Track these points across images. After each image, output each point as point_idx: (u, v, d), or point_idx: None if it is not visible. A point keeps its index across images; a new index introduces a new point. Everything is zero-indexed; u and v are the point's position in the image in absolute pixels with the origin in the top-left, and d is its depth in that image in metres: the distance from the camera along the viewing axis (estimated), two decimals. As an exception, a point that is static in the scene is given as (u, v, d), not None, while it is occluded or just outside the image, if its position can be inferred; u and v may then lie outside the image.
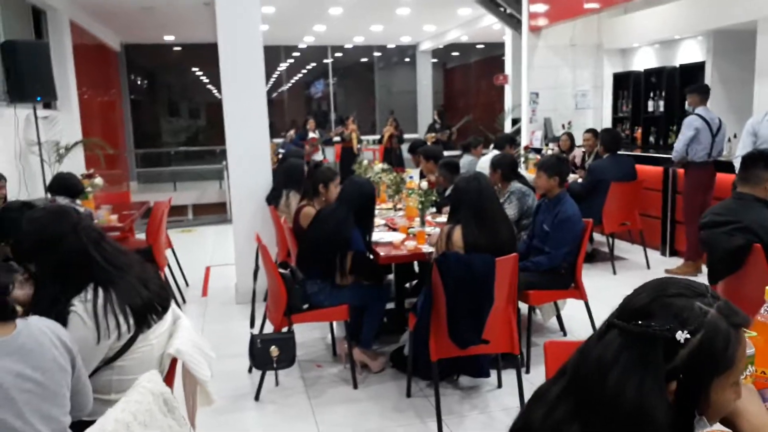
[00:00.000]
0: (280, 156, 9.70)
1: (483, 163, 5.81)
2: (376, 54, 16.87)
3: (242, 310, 4.94)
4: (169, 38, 13.25)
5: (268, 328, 3.60)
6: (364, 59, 17.69)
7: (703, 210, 5.61)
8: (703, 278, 5.51)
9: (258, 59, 4.91)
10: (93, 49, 11.46)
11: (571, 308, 4.22)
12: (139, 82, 16.08)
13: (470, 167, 6.18)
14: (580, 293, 3.73)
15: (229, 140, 4.95)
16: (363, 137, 11.82)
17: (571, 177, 6.33)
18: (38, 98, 6.78)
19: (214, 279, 5.98)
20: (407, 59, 17.09)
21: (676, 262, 5.83)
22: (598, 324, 3.86)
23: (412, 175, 4.45)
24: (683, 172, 5.61)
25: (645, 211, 6.05)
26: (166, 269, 5.17)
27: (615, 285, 5.34)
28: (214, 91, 16.42)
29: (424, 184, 3.84)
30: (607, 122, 8.64)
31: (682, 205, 5.61)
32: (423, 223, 3.87)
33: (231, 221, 9.47)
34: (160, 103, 17.18)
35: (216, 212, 11.45)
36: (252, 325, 3.58)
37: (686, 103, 7.19)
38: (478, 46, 16.16)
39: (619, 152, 5.84)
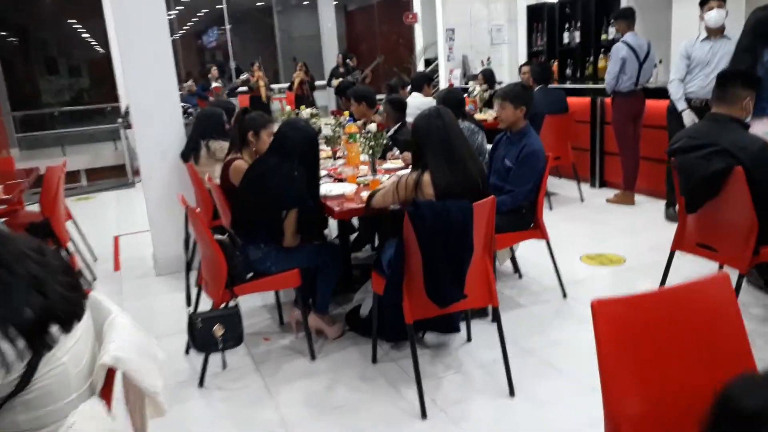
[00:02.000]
0: (184, 112, 8.83)
1: (411, 107, 5.37)
2: (274, -4, 15.79)
3: (164, 283, 4.35)
4: (37, -16, 11.62)
5: (204, 304, 3.08)
6: (261, 3, 16.56)
7: (634, 139, 5.57)
8: (638, 208, 5.54)
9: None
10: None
11: (523, 249, 3.98)
12: (9, 38, 14.19)
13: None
14: (541, 233, 3.47)
15: (131, 93, 4.23)
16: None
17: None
18: None
19: (126, 250, 5.28)
20: (306, 2, 16.15)
21: (607, 193, 5.77)
22: (560, 263, 3.64)
23: (351, 119, 3.95)
24: (610, 102, 5.47)
25: (574, 144, 5.91)
26: (69, 244, 4.44)
27: (554, 220, 5.19)
28: (97, 46, 14.84)
29: (373, 126, 3.37)
30: (522, 57, 8.42)
31: (614, 135, 5.49)
32: (374, 171, 3.42)
33: (133, 185, 8.62)
34: (36, 61, 15.33)
35: (114, 176, 10.43)
36: (188, 303, 3.05)
37: (613, 30, 7.10)
38: (380, -14, 15.51)
39: (549, 85, 5.61)
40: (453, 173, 2.53)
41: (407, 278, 2.52)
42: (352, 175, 3.37)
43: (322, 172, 3.70)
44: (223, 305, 2.86)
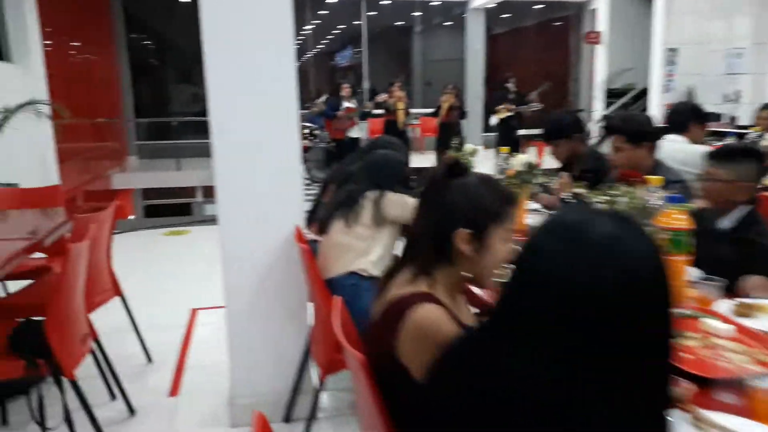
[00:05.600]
0: (309, 134, 7.00)
1: (671, 160, 2.98)
2: (416, 14, 13.93)
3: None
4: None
5: None
6: (400, 22, 14.81)
7: None
8: None
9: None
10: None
11: None
12: (143, 42, 13.31)
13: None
14: None
15: (214, 108, 2.24)
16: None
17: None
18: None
19: (200, 343, 3.30)
20: (449, 23, 14.15)
21: None
22: None
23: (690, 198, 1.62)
24: None
25: None
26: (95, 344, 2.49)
27: None
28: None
29: None
30: (771, 94, 5.80)
31: None
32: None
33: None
34: (170, 68, 14.44)
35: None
36: None
37: None
38: (536, 7, 13.21)
39: None
40: None
41: None
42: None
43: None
44: None
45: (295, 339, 2.46)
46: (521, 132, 7.55)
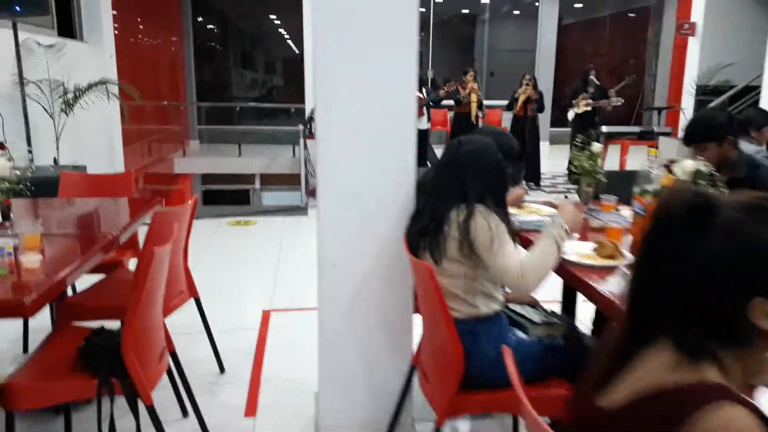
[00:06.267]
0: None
1: None
2: (484, 2, 13.32)
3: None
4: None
5: None
6: (465, 11, 14.24)
7: None
8: None
9: None
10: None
11: None
12: (208, 26, 13.20)
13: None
14: None
15: (322, 107, 1.88)
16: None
17: None
18: (16, 7, 4.02)
19: (277, 350, 2.99)
20: (516, 12, 13.51)
21: None
22: None
23: None
24: None
25: None
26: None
27: None
28: (291, 42, 13.56)
29: None
30: None
31: None
32: None
33: (305, 211, 6.43)
34: (232, 53, 14.30)
35: (286, 182, 8.67)
36: None
37: None
38: (613, -4, 12.44)
39: None
40: None
41: None
42: None
43: None
44: None
45: (396, 363, 2.11)
46: (604, 129, 6.98)
